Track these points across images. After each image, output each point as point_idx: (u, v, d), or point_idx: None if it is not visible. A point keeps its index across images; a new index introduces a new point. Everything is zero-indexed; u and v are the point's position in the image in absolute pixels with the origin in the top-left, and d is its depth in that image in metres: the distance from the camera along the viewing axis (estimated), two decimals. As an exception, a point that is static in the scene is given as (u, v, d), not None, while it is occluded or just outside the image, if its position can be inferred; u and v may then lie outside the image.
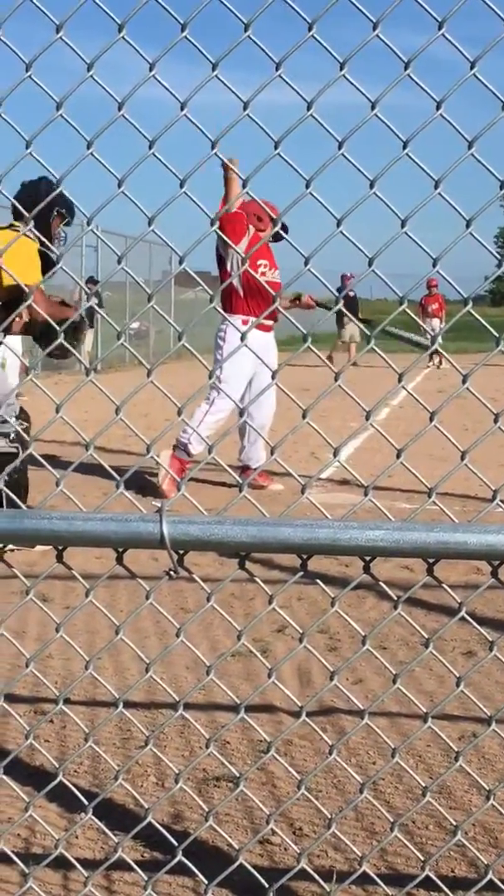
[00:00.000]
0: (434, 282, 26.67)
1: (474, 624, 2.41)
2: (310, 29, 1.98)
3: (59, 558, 2.19)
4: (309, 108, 2.00)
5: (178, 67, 2.48)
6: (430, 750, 3.71)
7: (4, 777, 2.45)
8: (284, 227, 2.23)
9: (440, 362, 26.51)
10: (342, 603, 2.26)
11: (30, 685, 4.17)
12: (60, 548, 2.17)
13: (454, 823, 2.59)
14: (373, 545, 2.08)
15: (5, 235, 6.28)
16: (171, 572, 2.10)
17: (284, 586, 2.36)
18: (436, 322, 27.32)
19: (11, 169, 2.04)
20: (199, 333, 21.43)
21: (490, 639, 2.30)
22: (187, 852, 2.41)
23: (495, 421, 2.18)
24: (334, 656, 4.59)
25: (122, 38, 1.98)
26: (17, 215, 6.42)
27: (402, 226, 2.08)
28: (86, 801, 2.40)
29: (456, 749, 2.51)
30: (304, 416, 2.11)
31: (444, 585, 2.23)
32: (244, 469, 8.61)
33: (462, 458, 2.20)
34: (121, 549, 2.17)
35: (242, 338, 2.16)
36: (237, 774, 2.50)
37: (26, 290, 2.36)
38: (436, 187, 2.06)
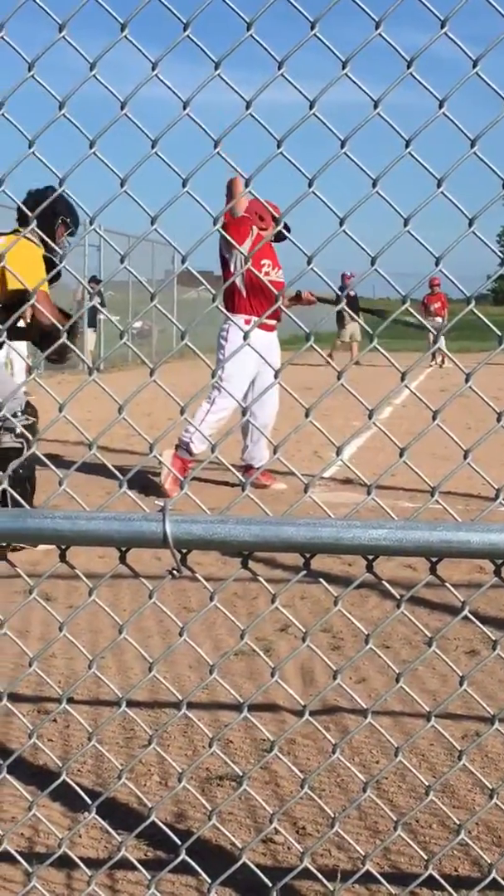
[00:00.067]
0: (436, 280, 26.67)
1: (477, 623, 2.41)
2: (312, 28, 1.98)
3: (63, 558, 2.19)
4: (311, 107, 2.00)
5: (180, 67, 2.48)
6: (433, 749, 3.71)
7: (8, 776, 2.45)
8: (286, 227, 2.23)
9: (443, 361, 26.49)
10: (345, 602, 2.26)
11: (33, 684, 4.17)
12: (64, 547, 2.17)
13: (457, 822, 2.59)
14: (376, 544, 2.08)
15: (11, 241, 6.31)
16: (174, 571, 2.10)
17: (287, 585, 2.36)
18: (438, 321, 27.30)
19: (14, 169, 2.05)
20: (201, 333, 21.43)
21: (493, 638, 2.31)
22: (190, 851, 2.41)
23: (498, 420, 2.18)
24: (337, 655, 4.59)
25: (125, 37, 1.98)
26: (23, 222, 6.45)
27: (405, 225, 2.08)
28: (89, 801, 2.40)
29: (459, 748, 2.51)
30: (306, 415, 2.11)
31: (447, 584, 2.23)
32: (247, 468, 8.61)
33: (465, 457, 2.20)
34: (124, 549, 2.17)
35: (245, 337, 2.16)
36: (240, 773, 2.50)
37: (29, 289, 2.36)
38: (438, 186, 2.06)
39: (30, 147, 2.02)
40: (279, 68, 1.98)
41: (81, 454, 2.16)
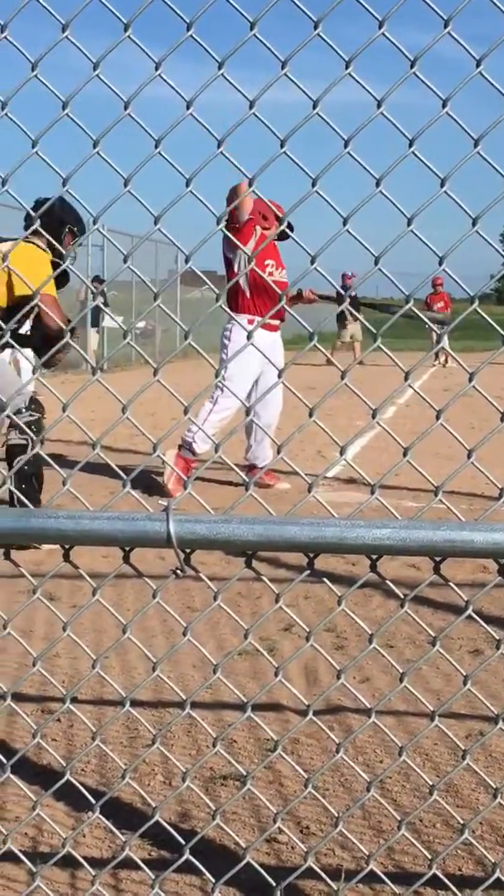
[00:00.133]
0: (439, 280, 26.64)
1: (481, 622, 2.41)
2: (315, 27, 1.98)
3: (66, 557, 2.20)
4: (315, 107, 2.00)
5: (183, 66, 2.48)
6: (437, 748, 3.71)
7: (12, 776, 2.45)
8: (290, 226, 2.24)
9: (446, 360, 26.48)
10: (349, 601, 2.26)
11: (37, 684, 4.18)
12: (67, 547, 2.18)
13: (461, 822, 2.59)
14: (379, 543, 2.08)
15: (22, 247, 6.39)
16: (178, 571, 2.10)
17: (291, 585, 2.36)
18: (441, 316, 27.25)
19: (17, 168, 2.05)
20: (205, 332, 21.45)
21: (497, 637, 2.30)
22: (194, 851, 2.41)
23: (502, 419, 2.18)
24: (341, 655, 4.59)
25: (128, 37, 1.98)
26: (32, 231, 6.49)
27: (409, 224, 2.08)
28: (93, 800, 2.41)
29: (463, 747, 2.51)
30: (310, 415, 2.11)
31: (451, 584, 2.23)
32: (251, 468, 8.62)
33: (468, 457, 2.21)
34: (127, 548, 2.17)
35: (248, 336, 2.16)
36: (244, 773, 2.50)
37: (32, 288, 2.36)
38: (442, 185, 2.06)
39: (33, 147, 2.03)
40: (282, 68, 1.98)
41: (85, 454, 2.16)
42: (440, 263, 2.11)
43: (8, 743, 3.66)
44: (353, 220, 2.07)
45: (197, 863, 2.41)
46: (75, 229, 6.87)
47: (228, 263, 8.33)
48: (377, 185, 2.05)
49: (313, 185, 2.04)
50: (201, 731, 3.78)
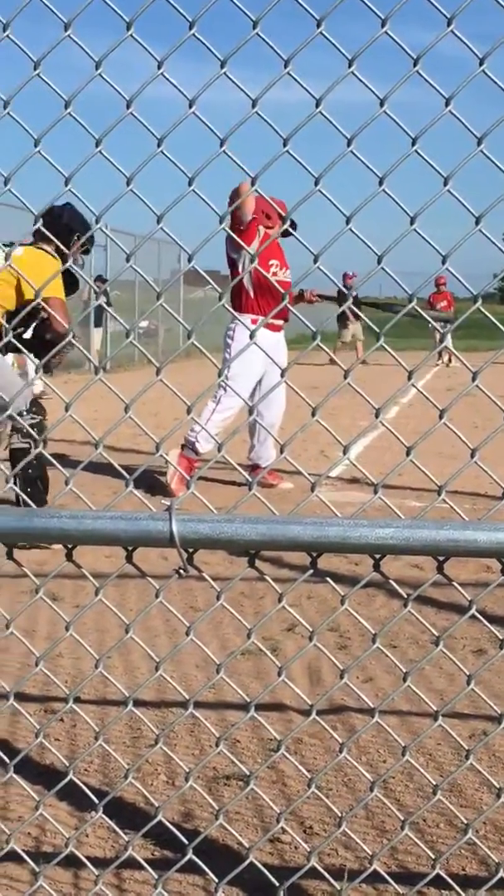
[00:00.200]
0: (442, 279, 26.62)
1: (485, 622, 2.40)
2: (318, 26, 1.98)
3: (69, 557, 2.19)
4: (318, 105, 2.00)
5: (185, 66, 2.48)
6: (440, 748, 3.70)
7: (15, 776, 2.45)
8: (293, 224, 2.23)
9: (449, 360, 26.47)
10: (352, 601, 2.26)
11: (40, 684, 4.18)
12: (70, 546, 2.17)
13: (465, 821, 2.59)
14: (382, 543, 2.08)
15: (31, 253, 6.51)
16: (181, 571, 2.10)
17: (294, 584, 2.36)
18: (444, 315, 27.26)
19: (20, 167, 2.04)
20: (208, 332, 21.44)
21: (500, 637, 2.30)
22: (198, 851, 2.41)
23: (505, 418, 2.18)
24: (344, 654, 4.59)
25: (131, 35, 1.98)
26: (41, 237, 6.59)
27: (412, 223, 2.07)
28: (96, 800, 2.40)
29: (466, 747, 2.51)
30: (313, 414, 2.11)
31: (455, 583, 2.23)
32: (254, 468, 8.61)
33: (472, 456, 2.20)
34: (130, 548, 2.17)
35: (251, 336, 2.16)
36: (247, 773, 2.50)
37: (34, 285, 2.36)
38: (445, 184, 2.06)
39: (35, 146, 2.02)
40: (285, 67, 1.98)
41: (88, 453, 2.16)
42: (443, 262, 2.11)
43: (11, 743, 3.66)
44: (356, 219, 2.07)
45: (200, 863, 2.41)
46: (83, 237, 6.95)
47: (232, 263, 8.32)
48: (380, 183, 2.05)
49: (316, 183, 2.04)
50: (204, 731, 3.78)
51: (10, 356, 7.41)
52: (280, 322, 8.54)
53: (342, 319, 26.35)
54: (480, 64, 2.02)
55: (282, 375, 2.20)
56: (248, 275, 8.23)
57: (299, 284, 7.94)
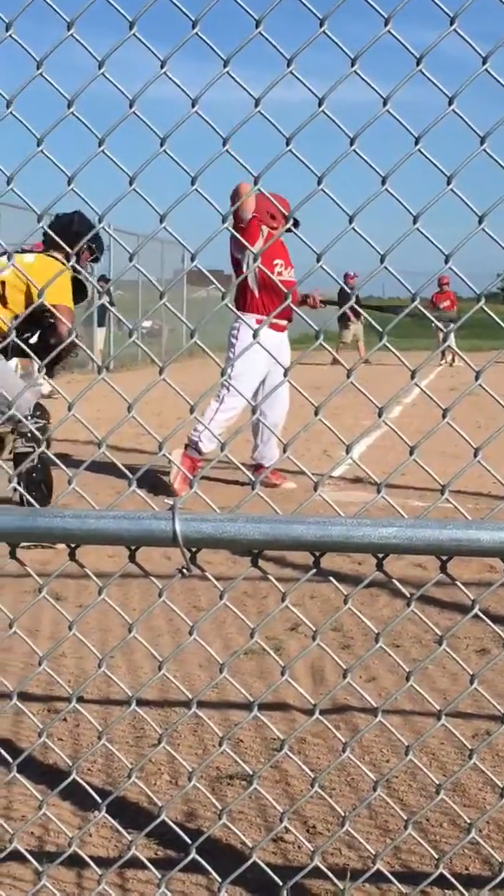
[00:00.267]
0: (445, 279, 26.61)
1: (488, 621, 2.40)
2: (321, 25, 1.98)
3: (72, 556, 2.19)
4: (321, 105, 2.00)
5: (188, 65, 2.48)
6: (443, 748, 3.70)
7: (18, 775, 2.45)
8: (296, 222, 2.23)
9: (453, 360, 26.46)
10: (355, 601, 2.26)
11: (43, 683, 4.18)
12: (73, 546, 2.17)
13: (468, 821, 2.59)
14: (386, 542, 2.08)
15: (42, 260, 6.58)
16: (184, 570, 2.10)
17: (297, 584, 2.36)
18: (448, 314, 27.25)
19: (23, 166, 2.04)
20: (211, 331, 21.42)
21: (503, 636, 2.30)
22: (201, 850, 2.41)
23: (508, 418, 2.18)
24: (347, 654, 4.59)
25: (133, 35, 1.98)
26: (51, 245, 6.66)
27: (415, 222, 2.07)
28: (99, 800, 2.40)
29: (470, 747, 2.51)
30: (316, 414, 2.11)
31: (458, 583, 2.23)
32: (257, 467, 8.61)
33: (475, 455, 2.20)
34: (133, 547, 2.17)
35: (255, 335, 2.16)
36: (250, 772, 2.50)
37: (37, 285, 2.36)
38: (448, 183, 2.06)
39: (38, 145, 2.02)
40: (288, 66, 1.98)
41: (91, 453, 2.16)
42: (446, 261, 2.11)
43: (14, 742, 3.66)
44: (359, 218, 2.07)
45: (203, 862, 2.41)
46: (93, 245, 7.02)
47: (237, 263, 8.31)
48: (383, 182, 2.05)
49: (319, 183, 2.04)
50: (207, 731, 3.78)
51: (14, 360, 7.45)
52: (284, 322, 8.54)
53: (343, 320, 26.33)
54: (483, 63, 2.02)
55: (285, 375, 2.20)
56: (252, 274, 8.23)
57: (302, 283, 7.94)
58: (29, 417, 6.41)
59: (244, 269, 8.21)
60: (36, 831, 3.07)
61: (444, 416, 2.15)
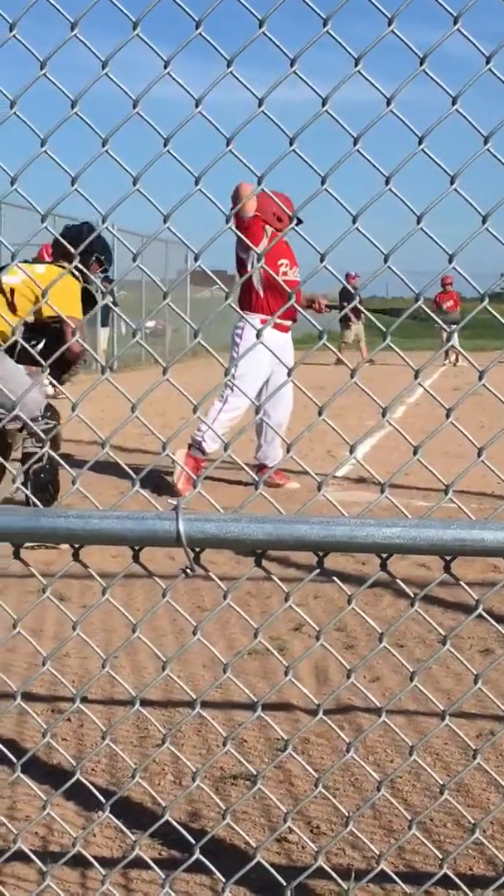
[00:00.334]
0: (448, 279, 26.60)
1: (492, 621, 2.40)
2: (324, 25, 1.98)
3: (76, 557, 2.19)
4: (324, 104, 2.00)
5: (191, 65, 2.48)
6: (447, 748, 3.70)
7: (22, 775, 2.45)
8: (298, 220, 2.23)
9: (456, 359, 26.44)
10: (359, 601, 2.26)
11: (47, 683, 4.18)
12: (77, 546, 2.17)
13: (472, 821, 2.59)
14: (389, 542, 2.07)
15: (52, 271, 6.68)
16: (188, 570, 2.10)
17: (301, 584, 2.36)
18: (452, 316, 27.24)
19: (27, 167, 2.05)
20: (214, 331, 21.42)
21: (507, 636, 2.30)
22: (204, 850, 2.41)
23: (512, 417, 2.18)
24: (351, 654, 4.59)
25: (137, 35, 1.98)
26: (61, 255, 6.75)
27: (418, 222, 2.07)
28: (103, 800, 2.40)
29: (474, 747, 2.51)
30: (319, 414, 2.11)
31: (461, 583, 2.23)
32: (260, 467, 8.61)
33: (479, 455, 2.20)
34: (137, 548, 2.17)
35: (258, 335, 2.16)
36: (254, 772, 2.50)
37: (41, 287, 2.36)
38: (451, 183, 2.05)
39: (42, 146, 2.02)
40: (291, 66, 1.98)
41: (94, 453, 2.16)
42: (450, 261, 2.11)
43: (18, 742, 3.66)
44: (363, 218, 2.07)
45: (207, 862, 2.41)
46: (102, 258, 7.09)
47: (241, 263, 8.31)
48: (386, 182, 2.04)
49: (322, 182, 2.04)
50: (211, 731, 3.78)
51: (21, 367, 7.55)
52: (288, 323, 8.54)
53: (344, 320, 26.32)
54: (487, 62, 2.02)
55: (288, 375, 2.20)
56: (257, 274, 8.23)
57: (306, 284, 7.94)
58: (39, 418, 6.43)
59: (249, 268, 8.21)
60: (40, 831, 3.08)
61: (447, 416, 2.15)
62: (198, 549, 2.11)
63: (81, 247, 2.23)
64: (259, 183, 2.06)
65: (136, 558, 2.19)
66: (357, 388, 2.15)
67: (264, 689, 4.12)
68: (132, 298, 28.97)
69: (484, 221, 2.09)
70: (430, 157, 2.04)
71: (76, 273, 6.79)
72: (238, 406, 8.29)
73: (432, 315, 2.40)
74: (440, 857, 2.57)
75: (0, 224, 19.06)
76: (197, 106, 2.00)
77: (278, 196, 7.35)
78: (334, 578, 2.33)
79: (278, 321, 8.22)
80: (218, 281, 2.32)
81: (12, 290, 6.64)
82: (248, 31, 1.98)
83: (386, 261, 2.10)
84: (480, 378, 2.15)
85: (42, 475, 6.46)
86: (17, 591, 5.45)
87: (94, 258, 7.02)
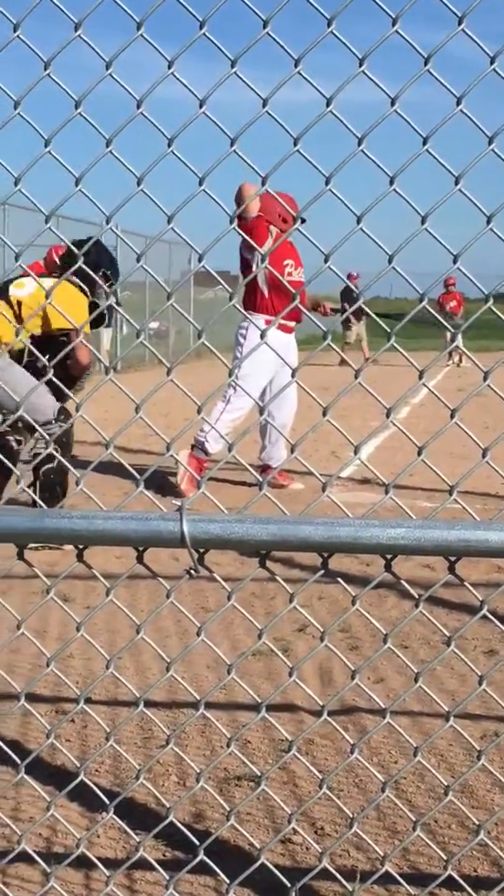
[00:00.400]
0: (451, 280, 26.60)
1: (496, 622, 2.40)
2: (329, 25, 1.98)
3: (80, 557, 2.19)
4: (328, 105, 2.00)
5: (196, 65, 2.48)
6: (451, 749, 3.70)
7: (26, 776, 2.45)
8: (301, 220, 2.23)
9: (460, 360, 26.45)
10: (363, 602, 2.26)
11: (51, 684, 4.18)
12: (81, 547, 2.17)
13: (476, 822, 2.58)
14: (394, 543, 2.07)
15: (63, 285, 6.63)
16: (192, 571, 2.10)
17: (305, 585, 2.35)
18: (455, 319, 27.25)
19: (31, 167, 2.04)
20: (218, 332, 21.42)
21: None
22: (209, 851, 2.40)
23: (517, 418, 2.17)
24: (355, 655, 4.58)
25: (141, 35, 1.98)
26: (68, 268, 6.79)
27: (423, 222, 2.07)
28: (107, 801, 2.40)
29: (478, 748, 2.50)
30: (324, 414, 2.10)
31: (466, 584, 2.22)
32: (264, 468, 8.61)
33: (483, 456, 2.20)
34: (141, 548, 2.17)
35: (262, 335, 2.16)
36: (258, 774, 2.49)
37: (46, 290, 2.36)
38: (456, 183, 2.05)
39: (46, 146, 2.02)
40: (296, 66, 1.98)
41: (98, 454, 2.15)
42: (454, 262, 2.10)
43: (22, 744, 3.66)
44: (367, 219, 2.06)
45: (211, 863, 2.40)
46: (108, 272, 7.13)
47: (246, 264, 8.30)
48: (391, 183, 2.04)
49: (327, 183, 2.04)
50: (215, 732, 3.78)
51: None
52: (292, 324, 8.53)
53: (345, 321, 26.35)
54: (491, 63, 2.01)
55: (292, 375, 2.19)
56: (262, 274, 8.22)
57: (310, 284, 7.94)
58: (53, 421, 6.46)
59: (254, 268, 8.21)
60: (44, 832, 3.07)
61: (452, 417, 2.14)
62: (202, 550, 2.11)
63: (80, 255, 2.23)
64: (263, 183, 2.06)
65: (139, 559, 2.18)
66: (361, 389, 2.15)
67: (268, 690, 4.11)
68: (136, 299, 28.98)
69: (488, 222, 2.09)
70: (435, 158, 2.04)
71: (84, 287, 6.89)
72: (241, 406, 8.28)
73: (437, 316, 2.40)
74: (444, 858, 2.57)
75: (4, 225, 19.07)
76: (201, 106, 2.00)
77: (282, 196, 7.35)
78: (338, 579, 2.33)
79: (282, 322, 8.22)
80: (222, 281, 2.31)
81: (19, 303, 6.70)
82: (253, 31, 1.97)
83: (391, 261, 2.09)
84: (485, 379, 2.14)
85: (52, 476, 6.48)
86: (21, 592, 5.45)
87: (101, 273, 7.08)
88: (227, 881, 2.42)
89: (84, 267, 2.17)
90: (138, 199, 2.05)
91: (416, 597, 2.22)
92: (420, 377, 2.12)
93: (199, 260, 2.12)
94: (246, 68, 1.98)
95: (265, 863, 2.41)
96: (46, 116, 2.08)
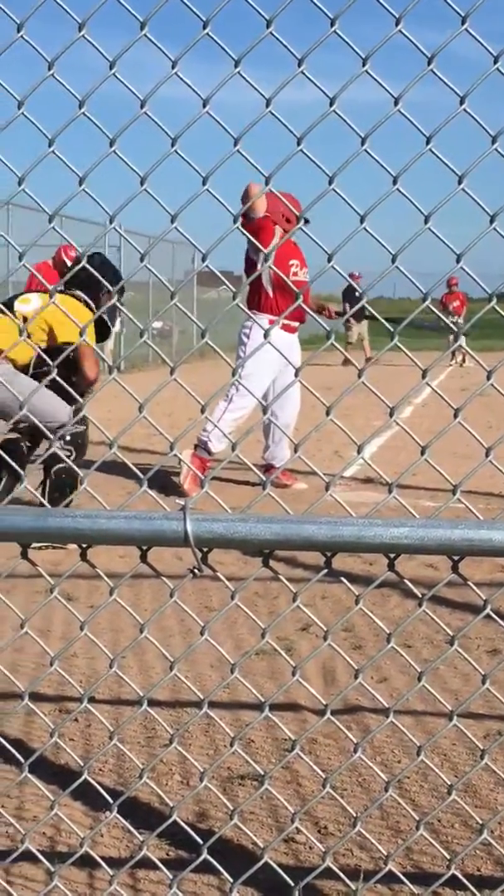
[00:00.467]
0: (454, 279, 26.57)
1: (499, 621, 2.40)
2: (332, 25, 1.98)
3: (84, 557, 2.19)
4: (332, 104, 2.00)
5: (199, 65, 2.48)
6: (455, 748, 3.70)
7: (30, 775, 2.45)
8: (305, 220, 2.23)
9: (463, 360, 26.44)
10: (366, 601, 2.26)
11: (54, 684, 4.18)
12: (85, 546, 2.18)
13: (480, 822, 2.58)
14: (397, 542, 2.07)
15: (65, 300, 6.87)
16: (195, 570, 2.10)
17: (308, 584, 2.35)
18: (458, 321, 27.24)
19: (34, 167, 2.05)
20: (221, 332, 21.41)
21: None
22: (212, 851, 2.41)
23: (520, 417, 2.17)
24: (359, 654, 4.58)
25: (144, 35, 1.98)
26: (75, 284, 6.88)
27: (426, 222, 2.07)
28: (111, 800, 2.40)
29: (481, 747, 2.50)
30: (327, 414, 2.10)
31: (469, 583, 2.23)
32: (268, 468, 8.61)
33: (486, 455, 2.20)
34: (145, 548, 2.17)
35: (266, 335, 2.16)
36: (262, 773, 2.49)
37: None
38: (459, 183, 2.05)
39: (50, 146, 2.03)
40: (299, 66, 1.98)
41: (102, 453, 2.16)
42: (457, 261, 2.10)
43: (26, 743, 3.67)
44: (370, 218, 2.06)
45: (215, 863, 2.41)
46: (111, 290, 7.19)
47: (252, 265, 8.30)
48: (394, 182, 2.04)
49: (330, 182, 2.04)
50: (219, 731, 3.78)
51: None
52: (296, 324, 8.53)
53: (347, 321, 26.35)
54: (494, 62, 2.01)
55: (296, 375, 2.20)
56: (266, 274, 8.22)
57: (314, 284, 7.94)
58: (69, 425, 6.50)
59: (259, 268, 8.20)
60: (48, 832, 3.08)
61: (455, 416, 2.15)
62: (205, 550, 2.11)
63: (76, 268, 2.23)
64: (267, 183, 2.06)
65: (143, 558, 2.19)
66: (364, 389, 2.15)
67: (272, 690, 4.12)
68: (139, 299, 28.99)
69: (492, 221, 2.09)
70: (438, 157, 2.04)
71: (89, 302, 6.92)
72: (243, 406, 8.28)
73: (441, 315, 2.40)
74: (448, 857, 2.57)
75: (8, 225, 19.07)
76: (204, 106, 2.00)
77: (285, 196, 7.36)
78: (342, 579, 2.33)
79: (286, 322, 8.22)
80: (225, 281, 2.32)
81: (24, 319, 6.73)
82: (256, 31, 1.98)
83: (394, 261, 2.09)
84: (488, 378, 2.15)
85: (63, 476, 6.50)
86: (24, 591, 5.46)
87: (105, 290, 7.13)
88: (231, 880, 2.42)
89: (90, 280, 2.18)
90: (142, 199, 2.05)
91: (420, 596, 2.22)
92: (423, 377, 2.12)
93: (203, 260, 2.12)
94: (249, 68, 1.98)
95: (269, 862, 2.41)
96: (50, 116, 2.08)
